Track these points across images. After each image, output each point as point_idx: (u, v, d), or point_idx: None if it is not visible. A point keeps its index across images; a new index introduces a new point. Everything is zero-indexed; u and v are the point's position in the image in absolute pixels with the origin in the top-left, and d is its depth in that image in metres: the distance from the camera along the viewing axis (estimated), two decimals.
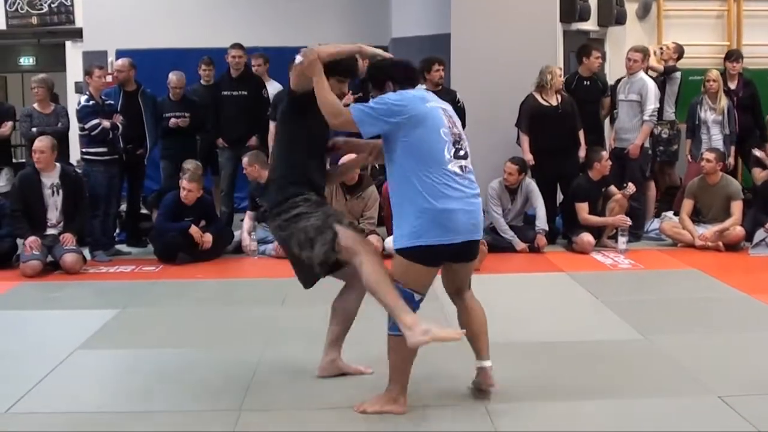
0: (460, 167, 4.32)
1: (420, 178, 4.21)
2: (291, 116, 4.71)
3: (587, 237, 8.74)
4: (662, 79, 9.92)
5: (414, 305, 4.28)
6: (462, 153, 4.37)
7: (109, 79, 9.53)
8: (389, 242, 8.41)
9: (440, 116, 4.36)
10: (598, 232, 9.02)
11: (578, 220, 8.89)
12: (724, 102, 9.66)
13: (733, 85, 10.04)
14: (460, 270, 4.56)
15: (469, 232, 4.31)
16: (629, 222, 8.84)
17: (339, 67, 4.59)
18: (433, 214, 4.20)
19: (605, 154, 9.02)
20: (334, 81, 4.55)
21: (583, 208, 8.91)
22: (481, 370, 4.59)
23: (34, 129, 8.97)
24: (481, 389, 4.59)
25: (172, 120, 9.42)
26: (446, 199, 4.21)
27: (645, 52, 9.59)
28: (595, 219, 8.88)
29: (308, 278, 4.82)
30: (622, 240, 8.77)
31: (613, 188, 8.98)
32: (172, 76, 9.72)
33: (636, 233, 9.33)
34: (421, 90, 4.61)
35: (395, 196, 4.38)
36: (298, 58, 4.47)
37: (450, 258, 4.40)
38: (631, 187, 8.92)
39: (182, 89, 9.70)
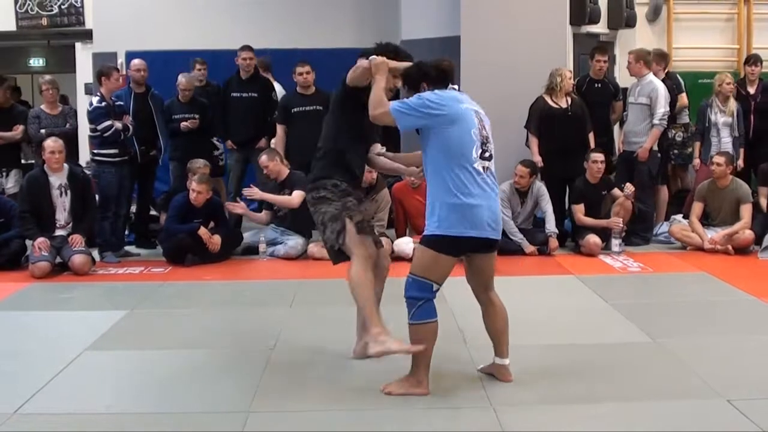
0: (483, 167, 4.63)
1: (449, 174, 4.53)
2: (342, 104, 5.09)
3: (593, 239, 8.73)
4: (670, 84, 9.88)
5: (431, 295, 4.61)
6: (487, 155, 4.68)
7: (119, 81, 9.54)
8: (398, 245, 8.44)
9: (472, 117, 4.65)
10: (606, 234, 9.00)
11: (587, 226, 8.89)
12: (733, 104, 9.63)
13: (752, 90, 9.98)
14: (484, 266, 4.85)
15: (490, 229, 4.62)
16: (621, 224, 8.80)
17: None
18: (459, 208, 4.51)
19: (594, 155, 8.97)
20: (390, 75, 4.85)
21: (578, 209, 8.92)
22: (500, 367, 4.87)
23: (42, 130, 8.99)
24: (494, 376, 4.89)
25: (183, 124, 9.43)
26: (471, 196, 4.53)
27: (639, 54, 9.53)
28: (589, 221, 8.87)
29: (331, 256, 5.21)
30: (615, 242, 8.74)
31: (617, 191, 8.94)
32: (181, 78, 9.75)
33: (645, 236, 9.32)
34: (455, 91, 4.89)
35: (430, 189, 4.68)
36: (365, 62, 4.83)
37: (472, 250, 4.71)
38: (629, 187, 8.85)
39: (191, 91, 9.72)
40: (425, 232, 4.66)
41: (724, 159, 8.99)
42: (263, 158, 8.83)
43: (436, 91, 4.67)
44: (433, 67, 4.88)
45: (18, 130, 9.27)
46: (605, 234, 8.89)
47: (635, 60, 9.42)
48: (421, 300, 4.60)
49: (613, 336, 5.90)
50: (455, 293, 5.81)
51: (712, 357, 5.32)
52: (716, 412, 4.38)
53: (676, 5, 11.93)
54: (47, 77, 9.21)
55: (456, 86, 5.02)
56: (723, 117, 9.62)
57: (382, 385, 4.72)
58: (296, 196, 8.63)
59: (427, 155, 4.66)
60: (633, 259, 8.53)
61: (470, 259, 4.84)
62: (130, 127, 8.84)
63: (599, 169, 8.90)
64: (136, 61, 9.42)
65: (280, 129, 9.49)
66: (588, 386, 4.79)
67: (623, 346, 5.64)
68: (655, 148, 9.37)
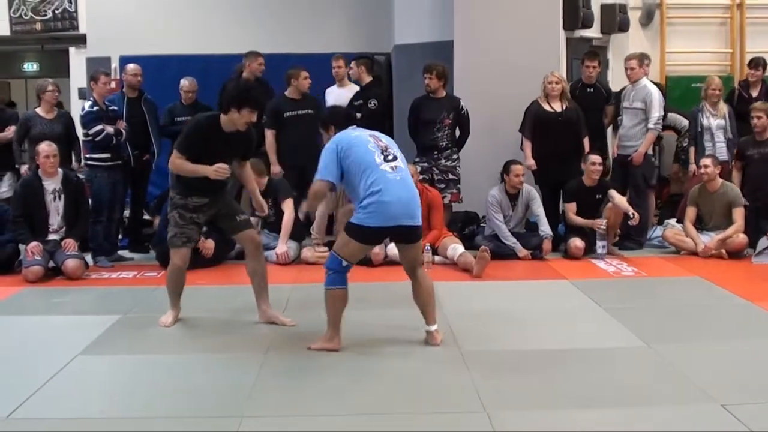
0: (391, 168, 5.53)
1: (363, 181, 5.46)
2: None
3: (575, 242, 8.75)
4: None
5: (342, 269, 5.57)
6: (390, 157, 5.60)
7: (113, 85, 9.53)
8: (392, 249, 8.43)
9: (365, 137, 5.67)
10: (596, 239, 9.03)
11: (576, 227, 8.92)
12: (724, 107, 9.65)
13: (755, 93, 10.02)
14: (408, 250, 5.70)
15: (401, 217, 5.48)
16: (604, 227, 8.79)
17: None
18: (375, 206, 5.43)
19: (593, 157, 8.97)
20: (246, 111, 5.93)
21: (570, 208, 8.97)
22: (428, 332, 5.71)
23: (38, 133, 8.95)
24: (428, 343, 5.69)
25: None
26: (382, 194, 5.41)
27: (640, 58, 9.55)
28: (579, 220, 8.89)
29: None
30: (600, 244, 8.77)
31: (612, 192, 8.90)
32: (185, 81, 9.78)
33: (638, 240, 9.33)
34: (349, 129, 5.82)
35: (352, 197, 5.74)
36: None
37: (385, 238, 5.98)
38: (635, 219, 8.75)
39: (194, 93, 9.72)
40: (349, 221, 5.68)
41: (711, 161, 9.01)
42: None
43: (333, 138, 5.70)
44: (339, 115, 6.17)
45: (10, 131, 9.24)
46: (591, 238, 8.91)
47: (639, 65, 9.43)
48: (332, 271, 5.58)
49: (607, 340, 5.89)
50: (449, 299, 5.83)
51: (705, 361, 5.32)
52: (711, 417, 4.37)
53: (669, 10, 11.98)
54: (49, 80, 9.18)
55: (355, 125, 5.90)
56: (716, 120, 9.62)
57: (308, 345, 5.65)
58: (288, 208, 8.75)
59: (347, 176, 5.56)
60: (627, 264, 8.54)
61: (398, 248, 5.80)
62: (124, 131, 8.84)
63: (597, 171, 8.91)
64: (132, 66, 9.40)
65: (270, 134, 9.46)
66: (582, 391, 4.79)
67: (617, 350, 5.63)
68: (650, 152, 9.39)
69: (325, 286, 5.62)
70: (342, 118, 6.02)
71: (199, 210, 6.19)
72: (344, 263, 5.57)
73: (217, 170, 5.96)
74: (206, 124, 6.09)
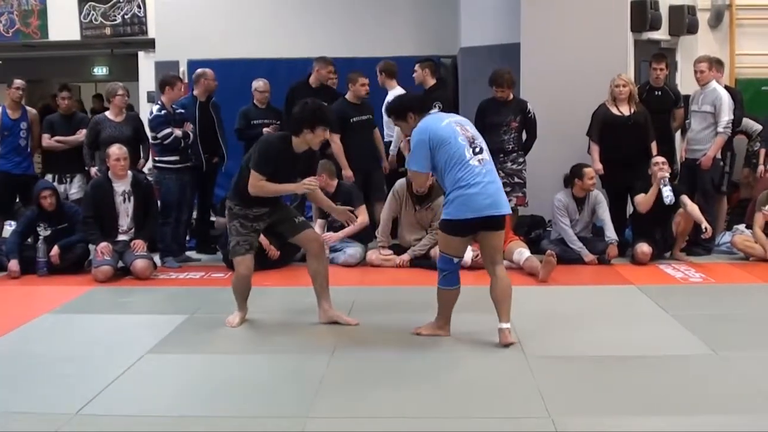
0: (479, 161, 5.65)
1: (451, 175, 5.61)
2: None
3: (642, 247, 8.62)
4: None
5: (454, 266, 5.81)
6: (477, 149, 5.69)
7: (182, 90, 9.61)
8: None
9: (453, 128, 5.71)
10: (665, 244, 8.90)
11: (645, 231, 8.79)
12: None
13: None
14: (491, 238, 5.81)
15: (488, 208, 5.60)
16: (667, 173, 8.67)
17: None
18: (462, 199, 5.58)
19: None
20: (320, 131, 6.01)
21: (638, 197, 8.79)
22: (500, 330, 5.73)
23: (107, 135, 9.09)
24: (501, 344, 5.71)
25: (265, 130, 9.31)
26: (469, 187, 5.56)
27: (710, 61, 9.41)
28: (644, 199, 8.71)
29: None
30: (666, 190, 8.58)
31: (685, 198, 8.76)
32: (259, 83, 9.80)
33: (707, 246, 9.18)
34: (435, 113, 5.99)
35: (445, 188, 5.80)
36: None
37: (478, 229, 5.74)
38: (708, 232, 8.59)
39: (269, 93, 9.77)
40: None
41: None
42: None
43: (420, 122, 5.75)
44: (414, 99, 6.23)
45: (81, 134, 9.41)
46: (666, 245, 8.79)
47: (708, 68, 9.29)
48: (445, 271, 5.79)
49: (673, 347, 5.81)
50: (514, 304, 5.80)
51: None
52: None
53: (739, 11, 11.78)
54: (119, 84, 9.32)
55: (437, 105, 6.05)
56: None
57: (413, 329, 5.98)
58: (362, 214, 8.74)
59: (436, 168, 5.73)
60: (694, 270, 8.40)
61: (479, 237, 5.84)
62: (191, 134, 8.94)
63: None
64: (210, 71, 9.44)
65: (336, 138, 9.33)
66: (648, 397, 4.73)
67: (684, 358, 5.55)
68: (719, 156, 9.24)
69: (441, 286, 5.87)
70: (418, 101, 6.04)
71: (259, 219, 6.24)
72: (455, 260, 5.81)
73: (308, 185, 6.09)
74: (280, 144, 6.12)
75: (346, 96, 9.54)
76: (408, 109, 5.90)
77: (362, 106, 9.49)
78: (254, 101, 9.82)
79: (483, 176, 5.61)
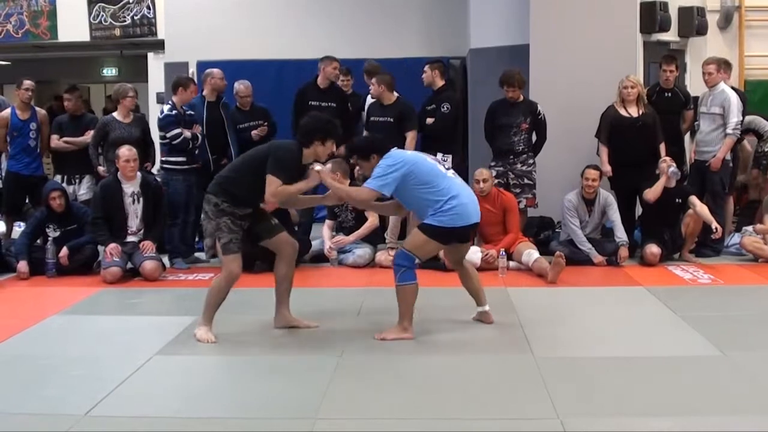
0: (453, 174, 6.11)
1: (432, 187, 5.87)
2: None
3: (651, 248, 8.61)
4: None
5: (413, 264, 5.92)
6: (447, 166, 6.31)
7: (194, 92, 9.60)
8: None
9: (418, 154, 6.31)
10: (674, 246, 8.88)
11: (654, 233, 8.78)
12: None
13: None
14: (464, 247, 6.30)
15: (474, 215, 5.97)
16: (673, 164, 8.73)
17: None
18: (459, 209, 5.84)
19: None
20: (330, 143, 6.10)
21: (646, 191, 8.79)
22: (482, 312, 6.28)
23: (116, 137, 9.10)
24: (482, 321, 6.28)
25: (254, 132, 9.42)
26: (460, 197, 5.89)
27: (719, 63, 9.38)
28: (653, 193, 8.73)
29: None
30: (672, 171, 8.67)
31: (692, 199, 8.76)
32: (240, 86, 9.72)
33: (715, 248, 9.16)
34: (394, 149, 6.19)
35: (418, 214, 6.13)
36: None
37: (463, 239, 6.14)
38: (718, 233, 8.63)
39: (250, 97, 9.73)
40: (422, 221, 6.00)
41: None
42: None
43: (385, 156, 5.96)
44: (377, 141, 6.47)
45: (89, 135, 9.43)
46: (675, 246, 8.78)
47: (717, 70, 9.26)
48: (404, 267, 5.89)
49: (682, 348, 5.81)
50: (523, 305, 5.80)
51: None
52: None
53: (748, 12, 11.77)
54: (129, 85, 9.34)
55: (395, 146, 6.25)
56: None
57: (376, 335, 5.95)
58: (372, 215, 8.79)
59: (405, 197, 6.01)
60: (703, 271, 8.39)
61: (453, 245, 6.17)
62: (200, 136, 8.95)
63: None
64: (218, 71, 9.47)
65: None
66: (656, 398, 4.73)
67: (692, 359, 5.54)
68: (728, 157, 9.22)
69: (400, 282, 5.90)
70: (380, 143, 6.28)
71: (244, 219, 6.11)
72: (417, 261, 5.94)
73: (322, 171, 6.20)
74: (298, 153, 6.05)
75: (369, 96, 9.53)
76: (372, 150, 6.09)
77: (387, 108, 9.37)
78: (237, 105, 9.76)
79: (464, 188, 6.06)
